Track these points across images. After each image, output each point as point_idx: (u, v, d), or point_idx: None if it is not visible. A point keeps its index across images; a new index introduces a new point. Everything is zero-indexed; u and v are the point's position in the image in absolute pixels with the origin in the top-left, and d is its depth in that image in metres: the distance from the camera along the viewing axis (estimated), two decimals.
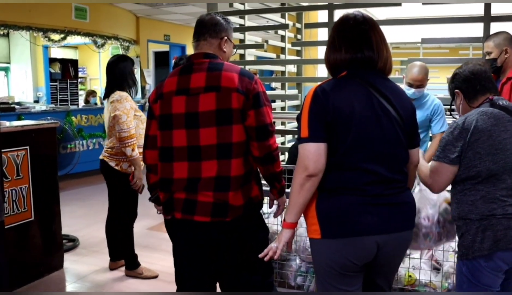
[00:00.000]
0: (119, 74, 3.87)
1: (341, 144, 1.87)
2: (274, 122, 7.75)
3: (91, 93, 9.64)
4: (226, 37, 2.38)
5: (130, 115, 3.74)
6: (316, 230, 1.92)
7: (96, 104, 9.11)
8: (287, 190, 2.30)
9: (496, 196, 2.12)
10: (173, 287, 2.50)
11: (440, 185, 2.25)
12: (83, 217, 5.83)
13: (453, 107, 2.50)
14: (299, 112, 1.98)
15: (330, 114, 1.86)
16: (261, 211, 2.42)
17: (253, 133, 2.20)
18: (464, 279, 2.18)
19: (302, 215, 2.01)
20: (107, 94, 3.87)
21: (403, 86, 3.51)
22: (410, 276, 2.93)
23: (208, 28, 2.36)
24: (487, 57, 3.37)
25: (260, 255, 2.07)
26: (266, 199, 2.64)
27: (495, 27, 4.18)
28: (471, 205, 2.15)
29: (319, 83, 2.00)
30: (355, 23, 1.98)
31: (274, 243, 2.02)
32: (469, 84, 2.31)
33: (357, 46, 1.94)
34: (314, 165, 1.86)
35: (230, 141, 2.19)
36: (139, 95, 9.98)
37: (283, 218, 2.04)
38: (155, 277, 4.01)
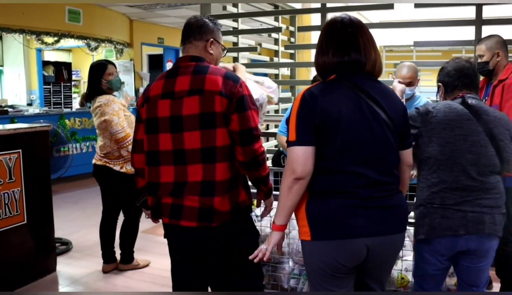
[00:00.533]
0: (91, 80, 4.05)
1: (329, 147, 1.88)
2: (268, 126, 7.78)
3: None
4: (212, 39, 2.35)
5: (121, 115, 3.80)
6: (306, 232, 1.94)
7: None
8: (275, 192, 2.30)
9: (439, 187, 2.29)
10: (166, 290, 2.50)
11: None
12: (76, 220, 5.82)
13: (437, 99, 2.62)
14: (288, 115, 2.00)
15: (318, 118, 1.87)
16: (252, 214, 2.42)
17: (237, 138, 2.17)
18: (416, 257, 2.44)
19: (295, 218, 2.03)
20: (88, 100, 4.09)
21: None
22: (402, 278, 2.94)
23: (193, 31, 2.34)
24: (479, 60, 3.39)
25: (250, 257, 2.08)
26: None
27: (486, 30, 4.22)
28: (420, 191, 2.37)
29: (307, 86, 2.01)
30: (342, 26, 1.98)
31: (264, 245, 2.04)
32: (450, 79, 2.45)
33: (344, 49, 1.95)
34: (301, 168, 1.87)
35: (214, 145, 2.16)
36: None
37: (272, 220, 2.05)
38: (148, 264, 4.28)
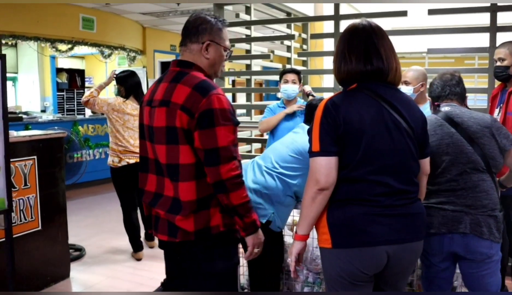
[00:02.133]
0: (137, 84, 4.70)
1: (352, 157, 1.87)
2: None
3: None
4: (209, 42, 2.12)
5: (101, 100, 4.56)
6: (327, 239, 1.92)
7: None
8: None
9: (435, 188, 2.38)
10: None
11: None
12: (90, 226, 5.84)
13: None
14: (310, 126, 1.97)
15: (340, 128, 1.86)
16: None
17: (202, 156, 1.98)
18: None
19: (315, 225, 2.02)
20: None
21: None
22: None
23: (189, 33, 2.15)
24: (498, 64, 3.35)
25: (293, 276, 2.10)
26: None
27: (501, 37, 4.19)
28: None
29: (325, 94, 2.00)
30: (365, 33, 1.96)
31: (288, 259, 2.07)
32: (435, 92, 2.58)
33: (367, 57, 1.93)
34: (325, 179, 1.86)
35: (177, 163, 2.02)
36: None
37: (294, 230, 2.04)
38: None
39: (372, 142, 1.86)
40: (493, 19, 4.20)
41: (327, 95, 4.31)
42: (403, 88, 3.38)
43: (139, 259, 4.60)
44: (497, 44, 4.19)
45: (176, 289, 2.28)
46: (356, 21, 2.03)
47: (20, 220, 3.72)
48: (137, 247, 4.65)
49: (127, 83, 4.60)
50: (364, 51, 1.94)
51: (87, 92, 4.69)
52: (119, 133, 4.49)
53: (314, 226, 2.01)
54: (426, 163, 2.10)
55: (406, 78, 3.47)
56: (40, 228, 3.90)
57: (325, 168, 1.86)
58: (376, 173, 1.88)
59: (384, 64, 1.93)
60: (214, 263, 2.12)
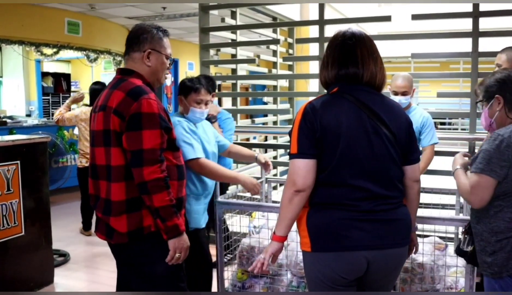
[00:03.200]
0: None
1: (329, 161, 1.88)
2: (266, 137, 7.75)
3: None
4: (150, 50, 2.23)
5: (69, 115, 5.39)
6: (307, 243, 1.93)
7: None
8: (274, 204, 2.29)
9: None
10: None
11: (483, 199, 2.07)
12: (74, 231, 5.79)
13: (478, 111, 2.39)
14: (291, 127, 1.99)
15: (318, 131, 1.87)
16: (251, 225, 2.37)
17: (128, 158, 2.09)
18: None
19: (297, 229, 2.02)
20: None
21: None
22: None
23: (131, 42, 2.26)
24: (497, 69, 3.35)
25: (249, 269, 2.07)
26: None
27: (483, 42, 4.25)
28: (509, 222, 2.07)
29: (310, 98, 2.02)
30: (342, 39, 1.99)
31: (262, 254, 2.02)
32: None
33: (342, 62, 1.96)
34: (302, 181, 1.87)
35: (110, 164, 2.14)
36: None
37: (273, 230, 2.04)
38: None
39: (349, 146, 1.87)
40: (475, 24, 4.26)
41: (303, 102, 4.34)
42: (402, 99, 3.42)
43: (89, 235, 5.51)
44: (479, 49, 4.26)
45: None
46: (341, 29, 2.04)
47: (3, 226, 3.68)
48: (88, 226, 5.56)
49: (95, 93, 5.09)
50: (340, 56, 1.96)
51: (56, 112, 5.49)
52: (86, 140, 5.26)
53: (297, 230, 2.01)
54: (413, 169, 2.04)
55: (403, 89, 3.51)
56: (23, 233, 3.86)
57: (303, 170, 1.87)
58: (354, 177, 1.88)
59: (359, 68, 1.94)
60: (155, 266, 2.20)
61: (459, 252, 2.32)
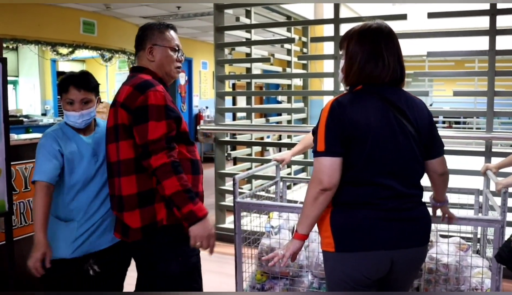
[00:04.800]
0: None
1: (356, 159, 1.85)
2: (280, 136, 7.71)
3: None
4: (151, 45, 2.27)
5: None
6: (330, 243, 1.90)
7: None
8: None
9: None
10: None
11: None
12: None
13: None
14: (315, 125, 1.95)
15: (346, 129, 1.84)
16: (268, 225, 2.35)
17: (139, 151, 2.10)
18: None
19: (318, 229, 2.00)
20: None
21: None
22: None
23: (136, 43, 2.34)
24: None
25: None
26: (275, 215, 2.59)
27: (500, 40, 4.20)
28: None
29: (325, 97, 2.00)
30: (369, 34, 1.94)
31: (281, 250, 1.98)
32: None
33: (369, 59, 1.91)
34: (328, 180, 1.83)
35: (118, 159, 2.16)
36: None
37: (295, 229, 2.02)
38: None
39: (377, 145, 1.85)
40: (493, 22, 4.21)
41: (327, 99, 4.29)
42: None
43: None
44: (497, 47, 4.22)
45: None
46: (368, 22, 1.99)
47: (21, 223, 3.72)
48: None
49: None
50: (367, 53, 1.91)
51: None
52: None
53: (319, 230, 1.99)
54: (437, 162, 2.02)
55: None
56: None
57: (329, 168, 1.83)
58: (381, 176, 1.86)
59: (385, 66, 1.90)
60: (169, 264, 2.17)
61: (500, 259, 2.28)
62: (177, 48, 2.32)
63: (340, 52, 2.07)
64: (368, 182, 1.86)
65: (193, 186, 2.14)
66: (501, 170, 3.19)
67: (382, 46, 1.91)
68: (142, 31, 2.31)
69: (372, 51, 1.91)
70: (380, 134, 1.85)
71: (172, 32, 2.32)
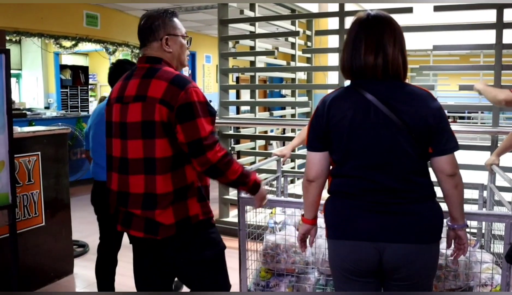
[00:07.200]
0: None
1: (338, 153, 1.93)
2: (284, 130, 7.72)
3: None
4: (166, 36, 2.20)
5: None
6: (327, 230, 2.01)
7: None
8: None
9: None
10: None
11: None
12: (93, 223, 5.78)
13: None
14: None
15: (325, 125, 1.92)
16: (271, 221, 2.36)
17: (185, 149, 2.06)
18: None
19: (322, 226, 2.07)
20: None
21: None
22: None
23: (145, 34, 2.21)
24: None
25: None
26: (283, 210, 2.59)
27: (507, 33, 4.16)
28: None
29: (329, 91, 2.02)
30: (361, 25, 1.90)
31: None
32: None
33: (358, 51, 1.87)
34: (310, 172, 2.00)
35: (153, 156, 2.07)
36: None
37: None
38: None
39: (353, 139, 1.87)
40: (500, 15, 4.17)
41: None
42: None
43: None
44: (504, 41, 4.18)
45: (151, 285, 2.35)
46: (361, 12, 1.95)
47: (24, 216, 3.72)
48: None
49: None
50: (357, 45, 1.88)
51: None
52: None
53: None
54: (442, 161, 1.90)
55: None
56: (43, 224, 3.90)
57: (311, 162, 2.00)
58: (362, 169, 1.88)
59: (376, 58, 1.85)
60: (203, 252, 2.22)
61: (510, 260, 2.26)
62: (186, 35, 2.31)
63: None
64: (350, 175, 1.92)
65: (202, 180, 2.19)
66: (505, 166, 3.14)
67: (377, 36, 1.86)
68: (151, 21, 2.21)
69: (354, 46, 1.89)
70: (356, 129, 1.86)
71: (177, 19, 2.31)
